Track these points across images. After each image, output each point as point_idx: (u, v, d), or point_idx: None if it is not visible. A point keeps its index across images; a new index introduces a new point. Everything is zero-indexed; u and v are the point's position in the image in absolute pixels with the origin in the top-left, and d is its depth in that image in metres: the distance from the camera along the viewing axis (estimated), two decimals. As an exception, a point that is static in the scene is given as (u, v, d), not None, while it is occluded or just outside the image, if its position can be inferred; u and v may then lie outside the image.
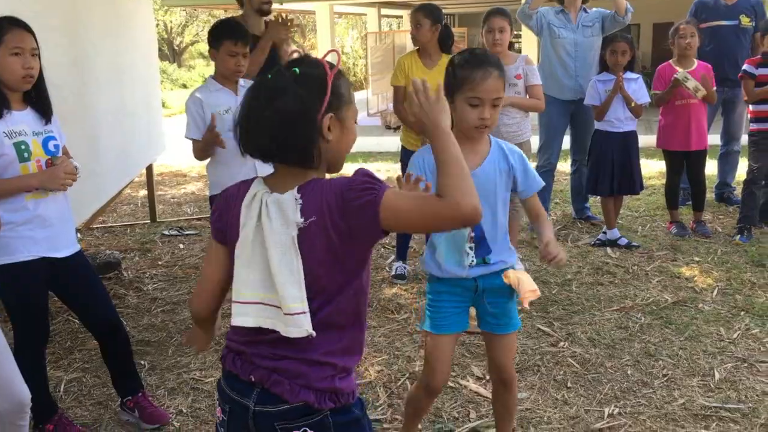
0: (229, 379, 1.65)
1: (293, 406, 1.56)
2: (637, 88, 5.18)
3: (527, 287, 2.37)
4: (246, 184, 1.63)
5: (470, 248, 2.38)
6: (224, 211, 1.65)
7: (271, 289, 1.54)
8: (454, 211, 1.46)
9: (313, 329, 1.53)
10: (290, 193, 1.53)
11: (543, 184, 2.48)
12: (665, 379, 3.36)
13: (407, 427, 2.72)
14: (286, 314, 1.52)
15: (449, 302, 2.47)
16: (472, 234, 2.37)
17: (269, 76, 1.56)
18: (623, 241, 5.27)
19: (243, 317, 1.58)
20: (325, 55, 1.64)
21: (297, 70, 1.54)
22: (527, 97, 4.62)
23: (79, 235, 5.30)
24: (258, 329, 1.58)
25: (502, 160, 2.41)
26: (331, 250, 1.53)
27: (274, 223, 1.53)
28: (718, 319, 3.99)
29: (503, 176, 2.40)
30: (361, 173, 1.52)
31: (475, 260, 2.39)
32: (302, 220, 1.51)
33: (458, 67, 2.34)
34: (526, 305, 2.38)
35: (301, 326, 1.52)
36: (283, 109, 1.51)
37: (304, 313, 1.52)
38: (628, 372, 3.44)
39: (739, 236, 5.25)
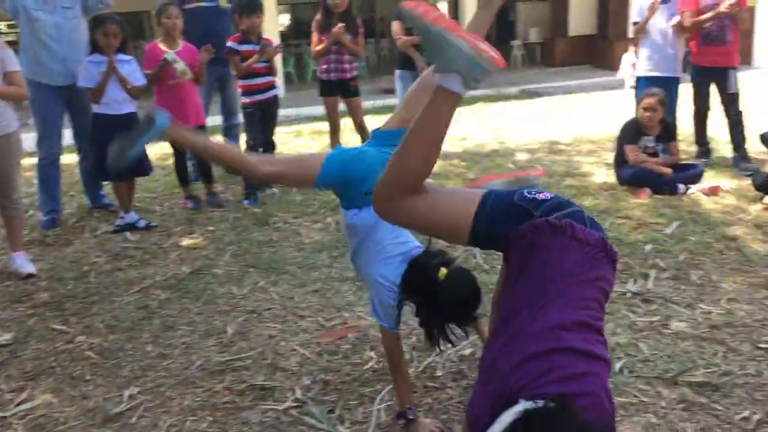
0: None
1: None
2: (131, 70, 5.17)
3: None
4: None
5: None
6: None
7: None
8: None
9: None
10: None
11: None
12: (184, 347, 3.47)
13: None
14: None
15: None
16: None
17: None
18: (142, 223, 5.27)
19: None
20: None
21: None
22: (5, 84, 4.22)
23: None
24: None
25: None
26: None
27: None
28: (230, 280, 4.26)
29: None
30: None
31: None
32: None
33: None
34: None
35: None
36: None
37: None
38: (148, 349, 3.45)
39: (246, 201, 5.69)
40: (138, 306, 3.95)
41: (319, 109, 11.44)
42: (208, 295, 4.06)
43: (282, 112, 6.50)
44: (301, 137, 8.90)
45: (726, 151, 6.41)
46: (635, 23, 6.20)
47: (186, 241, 4.96)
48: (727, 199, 5.26)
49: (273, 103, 5.90)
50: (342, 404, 2.91)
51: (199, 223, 5.33)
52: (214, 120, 6.87)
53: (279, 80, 12.18)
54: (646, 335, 3.33)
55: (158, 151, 7.96)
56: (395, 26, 6.70)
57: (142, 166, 5.31)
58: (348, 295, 3.97)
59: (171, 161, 6.07)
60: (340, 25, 5.84)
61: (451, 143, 7.96)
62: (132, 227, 5.23)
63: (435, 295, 2.32)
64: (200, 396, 3.02)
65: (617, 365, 3.05)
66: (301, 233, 5.00)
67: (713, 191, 5.31)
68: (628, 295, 3.75)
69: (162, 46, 5.42)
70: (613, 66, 14.81)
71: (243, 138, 6.11)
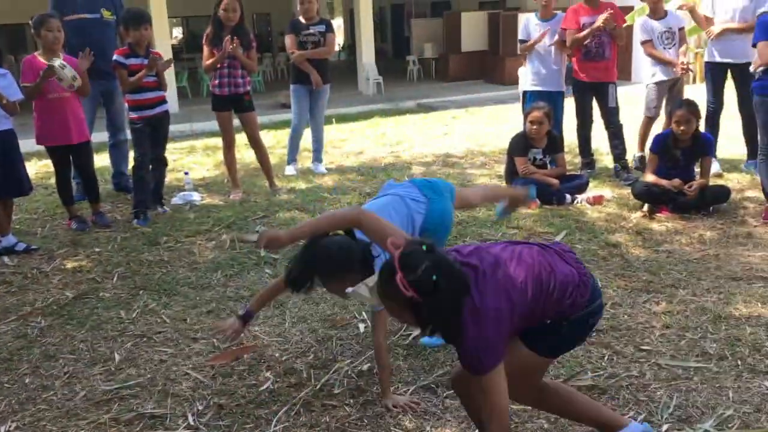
0: None
1: None
2: (6, 84, 4.89)
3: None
4: None
5: None
6: None
7: None
8: None
9: None
10: None
11: None
12: (67, 377, 3.28)
13: None
14: None
15: None
16: None
17: None
18: (21, 246, 4.97)
19: None
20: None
21: None
22: None
23: None
24: None
25: None
26: None
27: None
28: (118, 303, 4.08)
29: None
30: None
31: None
32: None
33: None
34: None
35: None
36: None
37: None
38: (27, 381, 3.24)
39: (136, 220, 5.47)
40: (16, 335, 3.72)
41: (215, 124, 11.31)
42: (94, 320, 3.86)
43: (176, 128, 6.35)
44: (194, 153, 8.67)
45: (608, 162, 6.72)
46: (521, 41, 6.42)
47: (70, 264, 4.72)
48: (609, 207, 5.51)
49: (163, 119, 5.72)
50: (237, 428, 2.83)
51: (84, 245, 5.08)
52: (100, 136, 6.61)
53: (172, 95, 11.93)
54: (537, 342, 3.42)
55: (39, 169, 7.59)
56: (288, 41, 6.66)
57: (21, 185, 5.02)
58: (243, 315, 3.87)
59: (53, 180, 5.77)
60: (227, 39, 5.73)
61: (347, 158, 7.98)
62: (10, 251, 4.92)
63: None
64: (84, 428, 2.86)
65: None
66: (194, 252, 4.86)
67: (597, 200, 5.55)
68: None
69: (42, 59, 5.15)
70: (504, 81, 15.32)
71: (132, 155, 5.89)
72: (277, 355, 3.43)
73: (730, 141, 7.04)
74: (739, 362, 3.14)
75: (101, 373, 3.31)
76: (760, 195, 5.45)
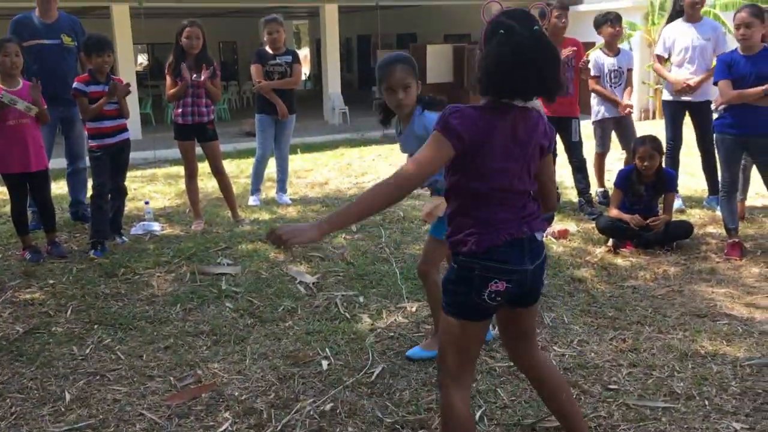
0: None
1: None
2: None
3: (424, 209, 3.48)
4: None
5: None
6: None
7: None
8: None
9: None
10: None
11: None
12: (14, 417, 3.11)
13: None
14: None
15: None
16: None
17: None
18: (-30, 277, 4.77)
19: None
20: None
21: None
22: None
23: None
24: None
25: None
26: None
27: None
28: (71, 339, 3.91)
29: None
30: None
31: None
32: None
33: None
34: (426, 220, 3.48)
35: None
36: None
37: None
38: (-30, 423, 3.08)
39: (93, 251, 5.31)
40: (-41, 373, 3.53)
41: (176, 152, 11.16)
42: (45, 356, 3.70)
43: (139, 155, 6.23)
44: (155, 182, 8.52)
45: (572, 196, 6.76)
46: None
47: (22, 297, 4.54)
48: (574, 242, 5.51)
49: (124, 147, 5.59)
50: (192, 473, 2.70)
51: (38, 276, 4.90)
52: (58, 163, 6.44)
53: (135, 121, 11.78)
54: (504, 381, 3.36)
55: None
56: (254, 70, 6.60)
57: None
58: (202, 351, 3.75)
59: (7, 207, 5.58)
60: (184, 67, 5.66)
61: (311, 189, 7.91)
62: (-41, 282, 4.73)
63: None
64: (29, 474, 2.70)
65: (477, 413, 3.04)
66: (153, 285, 4.72)
67: (562, 234, 5.55)
68: (488, 339, 3.78)
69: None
70: (469, 113, 15.41)
71: (90, 183, 5.74)
72: (236, 393, 3.31)
73: (690, 177, 7.14)
74: (707, 402, 3.11)
75: (50, 413, 3.15)
76: (721, 230, 5.51)
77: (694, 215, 6.14)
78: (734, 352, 3.58)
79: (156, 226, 6.04)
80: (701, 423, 2.96)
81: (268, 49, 6.61)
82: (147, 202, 6.42)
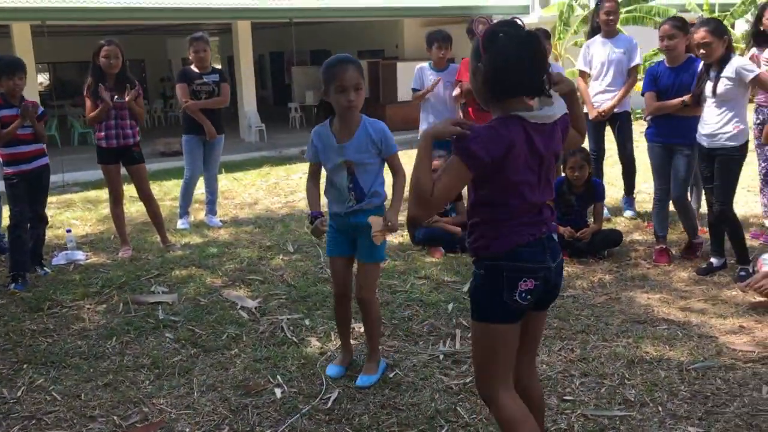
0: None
1: None
2: None
3: (374, 229, 3.28)
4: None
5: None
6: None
7: None
8: None
9: None
10: None
11: None
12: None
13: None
14: None
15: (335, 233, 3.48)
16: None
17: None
18: None
19: None
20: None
21: None
22: None
23: None
24: None
25: None
26: None
27: None
28: (0, 380, 3.65)
29: None
30: None
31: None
32: None
33: None
34: (377, 241, 3.31)
35: None
36: None
37: None
38: None
39: (13, 285, 4.99)
40: None
41: (89, 175, 10.73)
42: (-29, 403, 3.43)
43: (47, 179, 5.86)
44: (73, 207, 8.12)
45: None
46: (414, 90, 6.48)
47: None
48: (511, 254, 5.59)
49: (42, 173, 5.30)
50: None
51: (-48, 315, 4.56)
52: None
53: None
54: (462, 398, 3.34)
55: None
56: (180, 90, 6.40)
57: None
58: (145, 386, 3.57)
59: None
60: (102, 88, 5.43)
61: (241, 209, 7.73)
62: None
63: None
64: None
65: (440, 434, 3.02)
66: (83, 318, 4.47)
67: (499, 247, 5.61)
68: (441, 357, 3.77)
69: None
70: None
71: (6, 212, 5.40)
72: (187, 430, 3.17)
73: (611, 186, 7.40)
74: (660, 408, 3.19)
75: (-15, 465, 2.91)
76: (648, 237, 5.73)
77: (620, 223, 6.35)
78: (678, 356, 3.69)
79: (80, 255, 5.74)
80: (657, 429, 3.03)
81: (194, 67, 6.43)
82: (69, 230, 6.10)
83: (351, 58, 3.33)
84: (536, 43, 2.26)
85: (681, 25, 4.98)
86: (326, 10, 15.20)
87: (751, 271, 4.70)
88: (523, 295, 2.30)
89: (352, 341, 3.84)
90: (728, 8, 14.64)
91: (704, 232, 5.41)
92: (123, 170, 5.81)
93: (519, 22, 2.28)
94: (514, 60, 2.21)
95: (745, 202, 6.73)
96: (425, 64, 6.48)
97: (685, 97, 4.93)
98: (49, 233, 6.07)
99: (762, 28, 5.58)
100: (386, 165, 3.50)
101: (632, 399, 3.28)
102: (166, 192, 8.64)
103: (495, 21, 2.49)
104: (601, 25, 6.47)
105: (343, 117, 3.34)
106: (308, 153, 3.53)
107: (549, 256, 2.36)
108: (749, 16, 15.57)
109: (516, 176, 2.25)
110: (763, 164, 5.82)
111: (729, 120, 4.63)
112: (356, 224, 3.42)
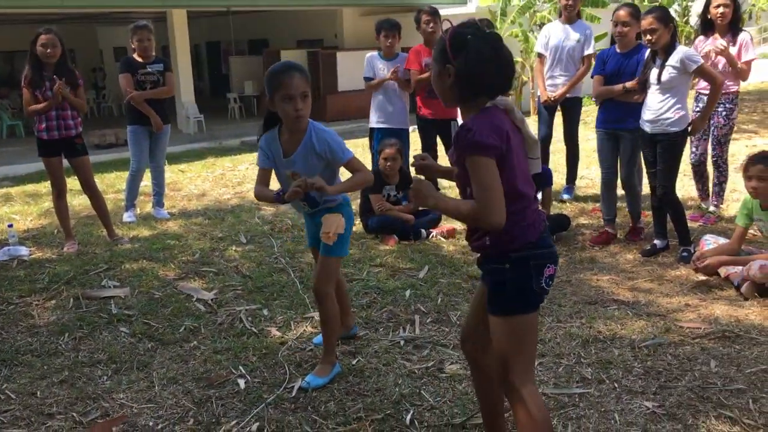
0: None
1: None
2: None
3: (324, 229, 3.30)
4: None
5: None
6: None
7: None
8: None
9: None
10: None
11: None
12: None
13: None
14: None
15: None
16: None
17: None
18: None
19: None
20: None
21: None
22: None
23: None
24: None
25: None
26: None
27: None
28: (-52, 382, 3.51)
29: None
30: None
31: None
32: None
33: None
34: (326, 240, 3.30)
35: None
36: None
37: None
38: None
39: (-46, 283, 4.81)
40: None
41: (21, 168, 10.36)
42: None
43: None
44: (11, 202, 7.82)
45: (455, 195, 6.94)
46: (367, 78, 6.47)
47: None
48: (462, 240, 5.68)
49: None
50: None
51: None
52: None
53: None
54: (425, 382, 3.39)
55: None
56: (123, 80, 6.24)
57: None
58: (103, 381, 3.49)
59: None
60: (57, 83, 5.26)
61: (189, 201, 7.60)
62: None
63: None
64: None
65: (407, 417, 3.06)
66: (32, 314, 4.34)
67: (450, 233, 5.70)
68: (402, 343, 3.81)
69: None
70: (325, 117, 15.49)
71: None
72: (151, 424, 3.12)
73: (557, 174, 7.57)
74: (616, 384, 3.31)
75: (-58, 468, 2.81)
76: (594, 221, 5.90)
77: (566, 208, 6.52)
78: (629, 334, 3.83)
79: (23, 251, 5.56)
80: (615, 405, 3.14)
81: (137, 57, 6.28)
82: (10, 225, 5.88)
83: (297, 64, 3.22)
84: (502, 44, 2.31)
85: (635, 13, 5.13)
86: (265, -1, 15.01)
87: (692, 251, 4.90)
88: (548, 281, 2.35)
89: (313, 330, 3.84)
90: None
91: (646, 216, 5.61)
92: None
93: (479, 23, 2.31)
94: (488, 62, 2.24)
95: (682, 186, 7.00)
96: (375, 53, 6.49)
97: (628, 84, 5.08)
98: (-13, 229, 5.87)
99: (709, 17, 5.79)
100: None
101: (589, 377, 3.39)
102: (109, 184, 8.43)
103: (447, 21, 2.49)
104: (561, 10, 6.61)
105: (290, 127, 3.21)
106: (259, 159, 3.33)
107: (551, 241, 2.46)
108: (676, 6, 16.16)
109: (518, 159, 2.30)
110: (694, 150, 6.06)
111: (671, 106, 4.81)
112: (319, 221, 3.41)
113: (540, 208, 5.54)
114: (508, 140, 2.25)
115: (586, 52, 6.43)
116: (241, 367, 3.58)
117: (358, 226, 6.03)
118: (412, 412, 3.12)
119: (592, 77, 5.44)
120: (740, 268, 4.39)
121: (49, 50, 5.34)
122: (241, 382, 3.43)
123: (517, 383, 2.36)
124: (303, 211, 3.50)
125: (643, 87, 4.97)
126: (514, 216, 2.28)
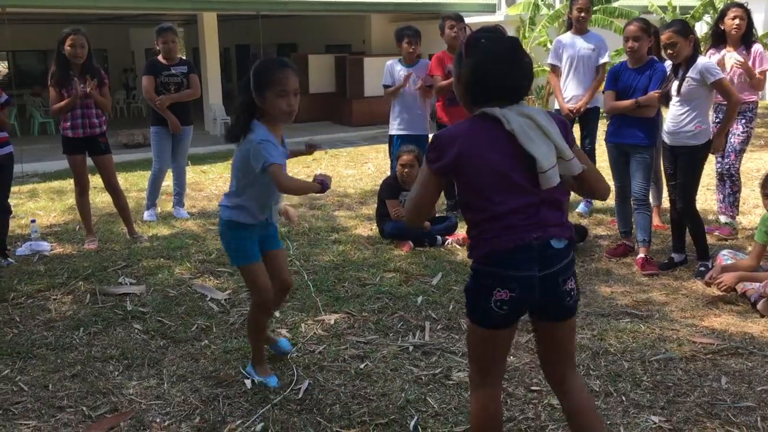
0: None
1: None
2: None
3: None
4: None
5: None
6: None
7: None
8: None
9: None
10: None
11: None
12: None
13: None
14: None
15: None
16: None
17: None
18: None
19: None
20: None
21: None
22: None
23: None
24: None
25: None
26: None
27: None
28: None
29: None
30: None
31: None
32: None
33: None
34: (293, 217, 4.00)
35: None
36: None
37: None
38: None
39: (-24, 275, 4.91)
40: None
41: (49, 165, 10.55)
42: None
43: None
44: (37, 197, 7.98)
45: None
46: (386, 86, 6.50)
47: None
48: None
49: (5, 163, 5.21)
50: None
51: None
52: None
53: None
54: (431, 389, 3.40)
55: None
56: (146, 82, 6.33)
57: None
58: (114, 377, 3.55)
59: None
60: (82, 81, 5.36)
61: (209, 202, 7.68)
62: None
63: None
64: None
65: (411, 423, 3.06)
66: (49, 308, 4.41)
67: (466, 240, 5.67)
68: (411, 349, 3.82)
69: None
70: (351, 122, 15.58)
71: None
72: (158, 420, 3.16)
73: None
74: (624, 398, 3.29)
75: (-48, 456, 2.88)
76: (611, 232, 5.85)
77: (584, 219, 6.48)
78: (640, 348, 3.80)
79: (45, 246, 5.66)
80: (621, 418, 3.12)
81: (161, 59, 6.37)
82: (33, 221, 6.00)
83: (289, 62, 3.21)
84: (516, 47, 2.30)
85: (646, 27, 5.09)
86: (294, 4, 15.13)
87: (710, 266, 4.84)
88: (498, 304, 2.23)
89: (323, 333, 3.85)
90: (688, 11, 14.96)
91: (665, 228, 5.54)
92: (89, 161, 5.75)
93: (500, 28, 2.35)
94: (495, 63, 2.25)
95: (704, 200, 6.92)
96: (395, 60, 6.52)
97: (641, 98, 5.01)
98: (12, 223, 5.98)
99: (722, 28, 5.73)
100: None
101: (597, 389, 3.36)
102: (132, 183, 8.55)
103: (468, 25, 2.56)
104: (573, 22, 6.58)
105: (278, 121, 3.19)
106: (274, 154, 3.09)
107: (536, 265, 2.23)
108: (708, 18, 15.97)
109: (492, 172, 2.26)
110: (719, 159, 5.99)
111: (691, 120, 4.76)
112: (271, 223, 3.48)
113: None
114: (471, 154, 2.25)
115: (601, 61, 6.39)
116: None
117: (374, 231, 6.05)
118: (416, 418, 3.12)
119: (603, 92, 5.40)
120: (757, 284, 4.33)
121: (77, 50, 5.45)
122: (248, 383, 3.46)
123: (471, 384, 2.48)
124: (264, 215, 3.39)
125: (666, 100, 4.92)
126: (478, 227, 2.30)
